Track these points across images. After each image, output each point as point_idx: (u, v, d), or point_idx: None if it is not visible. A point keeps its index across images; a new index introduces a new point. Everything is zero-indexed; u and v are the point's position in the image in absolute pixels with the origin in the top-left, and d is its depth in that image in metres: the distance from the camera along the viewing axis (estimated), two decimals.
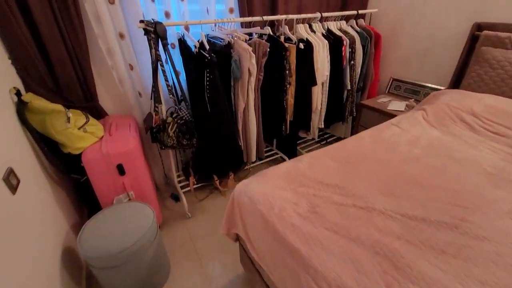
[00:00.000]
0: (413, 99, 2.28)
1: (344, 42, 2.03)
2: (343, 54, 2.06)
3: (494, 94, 1.73)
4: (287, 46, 1.78)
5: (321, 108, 2.13)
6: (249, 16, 1.86)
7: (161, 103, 1.59)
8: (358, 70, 2.22)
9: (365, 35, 2.17)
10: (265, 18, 1.81)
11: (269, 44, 1.68)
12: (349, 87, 2.20)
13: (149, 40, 1.45)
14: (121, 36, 1.57)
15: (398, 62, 2.43)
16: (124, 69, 1.65)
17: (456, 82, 2.02)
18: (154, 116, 1.64)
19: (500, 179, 1.13)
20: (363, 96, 2.45)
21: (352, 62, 2.13)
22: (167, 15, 1.67)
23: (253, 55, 1.64)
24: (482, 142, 1.42)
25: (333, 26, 2.12)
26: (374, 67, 2.36)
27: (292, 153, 2.37)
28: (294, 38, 1.89)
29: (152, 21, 1.42)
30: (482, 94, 1.72)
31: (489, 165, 1.22)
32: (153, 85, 1.57)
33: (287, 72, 1.85)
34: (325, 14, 2.05)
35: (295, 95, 2.01)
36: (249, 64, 1.65)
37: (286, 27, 1.92)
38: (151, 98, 1.67)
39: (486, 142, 1.42)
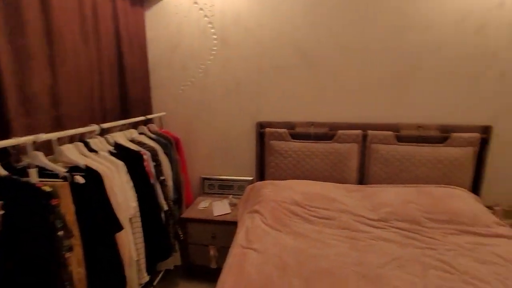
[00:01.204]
0: (231, 195, 2.17)
1: (145, 157, 1.53)
2: (147, 170, 1.54)
3: (293, 178, 1.97)
4: (49, 189, 0.97)
5: (139, 255, 1.39)
6: None
7: None
8: (170, 183, 1.78)
9: (164, 141, 1.82)
10: None
11: (1, 202, 0.80)
12: (166, 208, 1.67)
13: None
14: None
15: (202, 160, 2.29)
16: None
17: (261, 172, 2.15)
18: None
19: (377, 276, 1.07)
20: (181, 209, 2.00)
21: (162, 177, 1.65)
22: None
23: None
24: (322, 233, 1.44)
25: (122, 138, 1.57)
26: (182, 171, 2.04)
27: None
28: (59, 168, 1.11)
29: None
30: (291, 182, 1.89)
31: (354, 264, 1.17)
32: None
33: (60, 233, 0.99)
34: (105, 125, 1.47)
35: (87, 257, 1.14)
36: None
37: (39, 153, 1.10)
38: None
39: (324, 232, 1.45)
